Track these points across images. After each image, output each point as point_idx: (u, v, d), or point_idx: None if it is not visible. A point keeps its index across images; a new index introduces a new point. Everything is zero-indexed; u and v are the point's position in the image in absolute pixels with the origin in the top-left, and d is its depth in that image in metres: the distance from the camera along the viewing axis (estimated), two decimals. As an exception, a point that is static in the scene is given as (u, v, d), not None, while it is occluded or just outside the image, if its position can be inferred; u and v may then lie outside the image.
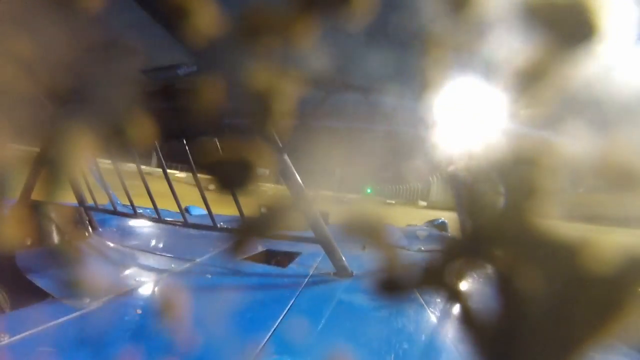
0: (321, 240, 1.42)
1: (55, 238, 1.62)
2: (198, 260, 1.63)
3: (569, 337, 0.41)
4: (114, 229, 2.10)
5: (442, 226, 2.75)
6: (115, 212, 2.24)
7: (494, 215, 0.48)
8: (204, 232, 2.01)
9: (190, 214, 2.63)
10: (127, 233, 2.09)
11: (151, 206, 2.10)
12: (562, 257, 0.38)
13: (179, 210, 2.07)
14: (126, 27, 1.14)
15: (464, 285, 0.52)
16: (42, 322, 0.92)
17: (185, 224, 2.03)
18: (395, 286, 0.61)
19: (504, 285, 0.46)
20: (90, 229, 1.88)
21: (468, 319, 0.50)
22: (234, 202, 1.59)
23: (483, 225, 0.50)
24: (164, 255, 1.71)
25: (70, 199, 2.05)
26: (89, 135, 1.66)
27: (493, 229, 0.48)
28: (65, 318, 0.95)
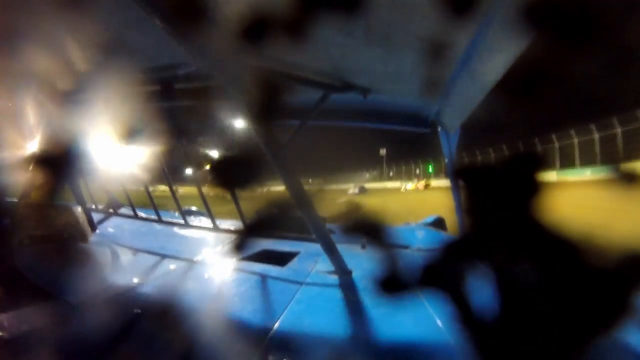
0: (320, 239, 1.42)
1: (55, 238, 1.62)
2: (198, 259, 1.64)
3: (568, 333, 0.42)
4: (113, 230, 2.10)
5: (438, 223, 2.74)
6: (115, 213, 2.25)
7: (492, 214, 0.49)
8: (204, 232, 2.01)
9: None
10: (127, 233, 2.10)
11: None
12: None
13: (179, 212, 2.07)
14: (126, 26, 1.13)
15: (464, 284, 0.52)
16: (41, 320, 0.92)
17: (186, 225, 2.04)
18: (394, 285, 0.62)
19: (503, 283, 0.47)
20: (89, 229, 1.88)
21: (467, 317, 0.51)
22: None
23: (482, 224, 0.50)
24: (164, 255, 1.71)
25: (70, 200, 2.05)
26: (90, 136, 1.66)
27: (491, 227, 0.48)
28: (64, 316, 0.95)
